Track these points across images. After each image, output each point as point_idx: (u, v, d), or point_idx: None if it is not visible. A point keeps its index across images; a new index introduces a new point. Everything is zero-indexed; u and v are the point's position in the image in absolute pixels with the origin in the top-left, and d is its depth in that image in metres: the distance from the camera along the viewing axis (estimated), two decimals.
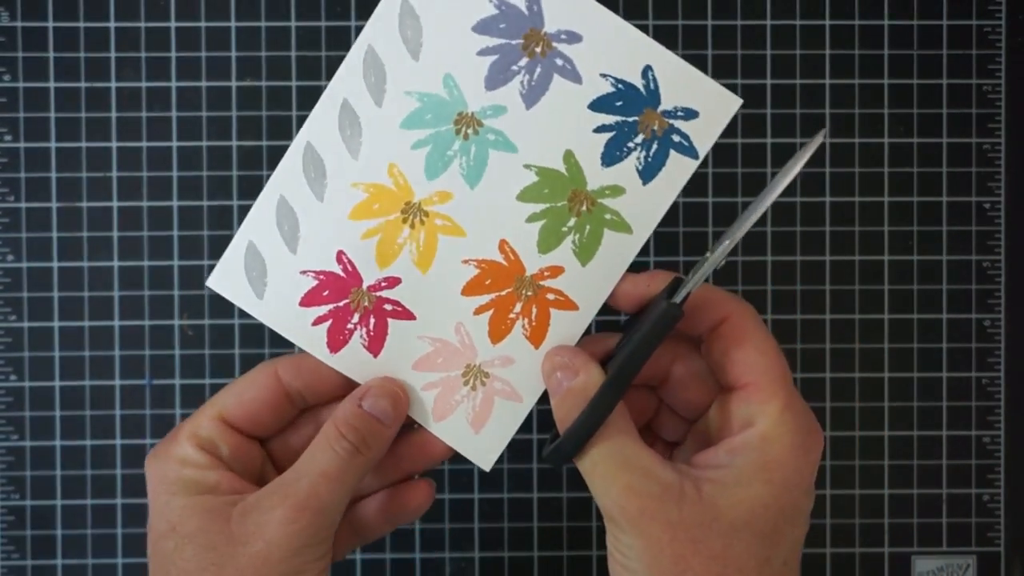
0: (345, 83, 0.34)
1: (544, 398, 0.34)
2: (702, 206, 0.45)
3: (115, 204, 0.44)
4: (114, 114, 0.44)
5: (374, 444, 0.33)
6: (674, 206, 0.45)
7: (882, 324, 0.45)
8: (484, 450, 0.35)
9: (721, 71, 0.45)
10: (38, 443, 0.44)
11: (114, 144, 0.44)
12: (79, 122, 0.44)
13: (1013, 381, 0.45)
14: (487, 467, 0.35)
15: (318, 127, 0.34)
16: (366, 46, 0.34)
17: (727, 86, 0.45)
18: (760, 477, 0.29)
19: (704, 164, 0.45)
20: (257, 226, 0.34)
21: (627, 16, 0.45)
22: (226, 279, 0.35)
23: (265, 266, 0.34)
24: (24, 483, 0.44)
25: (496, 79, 0.34)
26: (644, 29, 0.45)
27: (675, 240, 0.45)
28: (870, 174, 0.45)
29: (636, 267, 0.45)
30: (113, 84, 0.44)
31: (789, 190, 0.45)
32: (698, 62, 0.45)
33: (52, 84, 0.44)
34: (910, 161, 0.45)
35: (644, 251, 0.45)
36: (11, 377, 0.44)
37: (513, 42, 0.34)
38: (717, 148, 0.45)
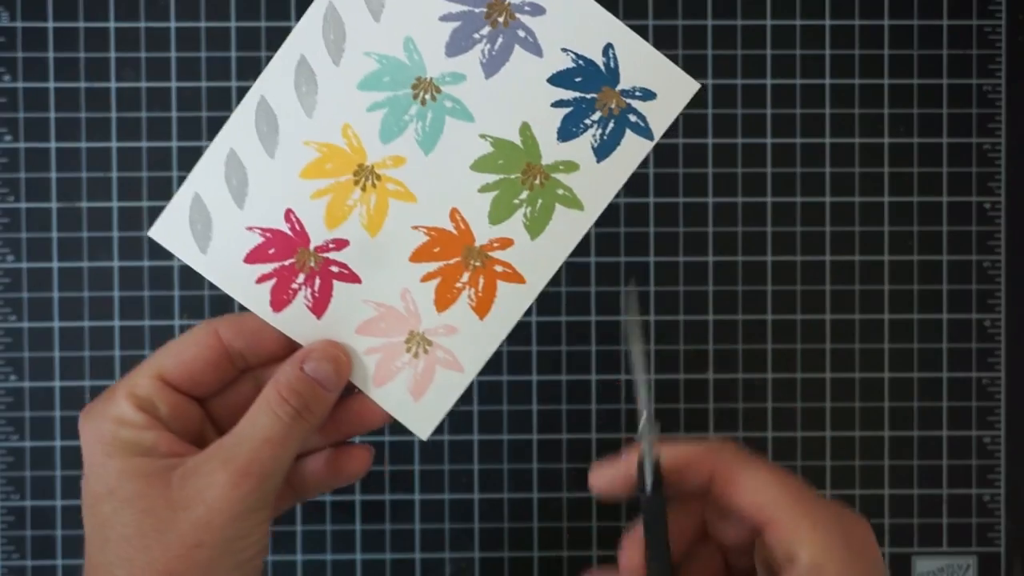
0: (303, 40, 0.34)
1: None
2: (702, 206, 0.45)
3: (115, 204, 0.44)
4: (114, 114, 0.44)
5: (316, 409, 0.32)
6: (673, 206, 0.45)
7: (882, 324, 0.45)
8: (422, 419, 0.35)
9: (721, 71, 0.45)
10: (38, 443, 0.44)
11: (114, 144, 0.44)
12: (79, 122, 0.44)
13: (1013, 381, 0.45)
14: (424, 436, 0.35)
15: (273, 82, 0.34)
16: (327, 3, 0.34)
17: (727, 86, 0.45)
18: None
19: (704, 164, 0.45)
20: (204, 178, 0.34)
21: (627, 16, 0.45)
22: (169, 230, 0.34)
23: (210, 219, 0.34)
24: (24, 483, 0.44)
25: (457, 46, 0.34)
26: (644, 29, 0.45)
27: (675, 240, 0.45)
28: (870, 174, 0.45)
29: (638, 266, 0.45)
30: (113, 84, 0.44)
31: (789, 190, 0.45)
32: (698, 62, 0.45)
33: (52, 84, 0.44)
34: (910, 161, 0.45)
35: (643, 252, 0.45)
36: (11, 377, 0.44)
37: (476, 10, 0.33)
38: (717, 148, 0.45)
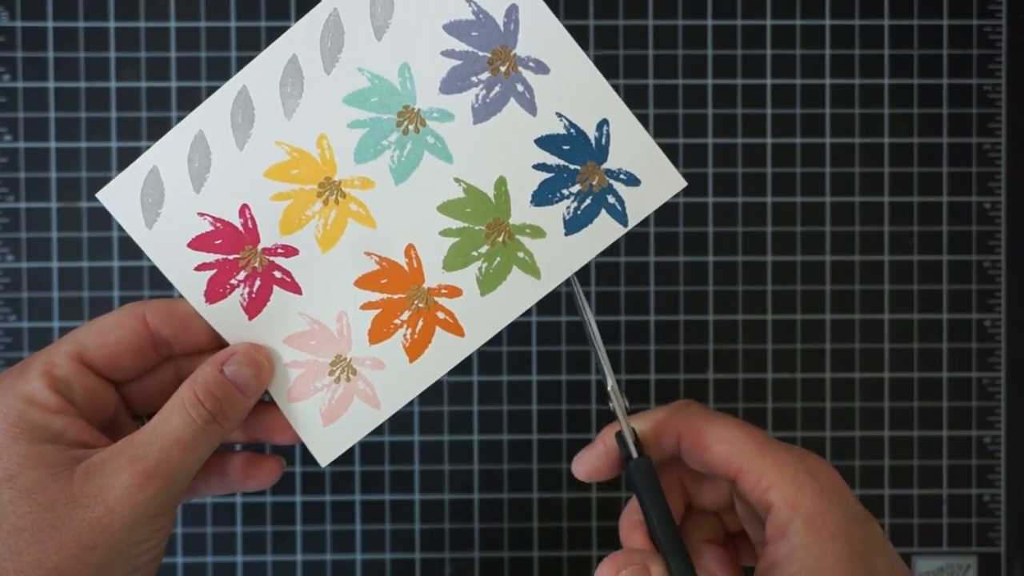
0: (299, 40, 0.33)
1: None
2: (702, 206, 0.45)
3: None
4: (114, 114, 0.44)
5: (231, 413, 0.32)
6: (674, 207, 0.45)
7: (882, 324, 0.45)
8: (326, 445, 0.34)
9: (721, 71, 0.45)
10: None
11: (114, 144, 0.44)
12: (79, 122, 0.44)
13: (1013, 381, 0.45)
14: (324, 463, 0.34)
15: (258, 75, 0.33)
16: (332, 9, 0.33)
17: (727, 86, 0.45)
18: (816, 539, 0.28)
19: (704, 164, 0.45)
20: (166, 154, 0.33)
21: (627, 16, 0.45)
22: (118, 197, 0.33)
23: (163, 196, 0.33)
24: None
25: (452, 84, 0.33)
26: (644, 30, 0.45)
27: (675, 240, 0.45)
28: (870, 174, 0.45)
29: (639, 266, 0.45)
30: (113, 84, 0.44)
31: (789, 190, 0.45)
32: (698, 62, 0.45)
33: (52, 84, 0.44)
34: (910, 161, 0.45)
35: (643, 251, 0.45)
36: None
37: (480, 53, 0.33)
38: (717, 148, 0.45)
